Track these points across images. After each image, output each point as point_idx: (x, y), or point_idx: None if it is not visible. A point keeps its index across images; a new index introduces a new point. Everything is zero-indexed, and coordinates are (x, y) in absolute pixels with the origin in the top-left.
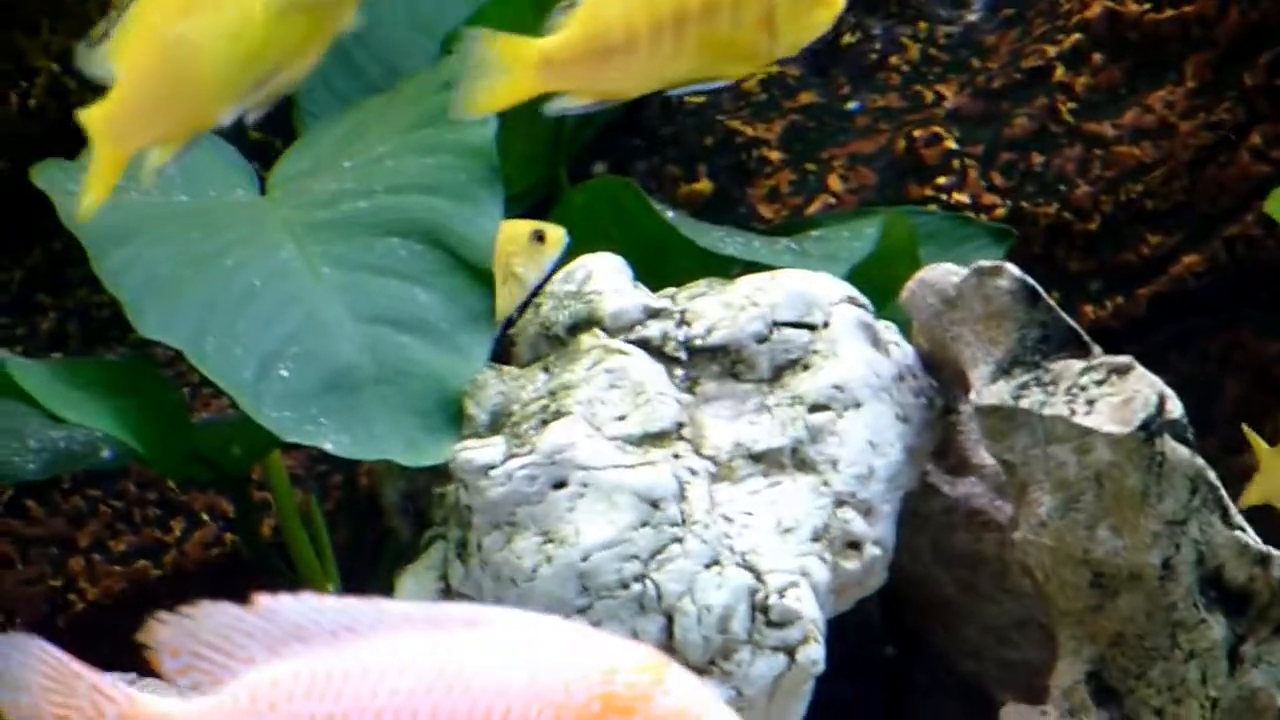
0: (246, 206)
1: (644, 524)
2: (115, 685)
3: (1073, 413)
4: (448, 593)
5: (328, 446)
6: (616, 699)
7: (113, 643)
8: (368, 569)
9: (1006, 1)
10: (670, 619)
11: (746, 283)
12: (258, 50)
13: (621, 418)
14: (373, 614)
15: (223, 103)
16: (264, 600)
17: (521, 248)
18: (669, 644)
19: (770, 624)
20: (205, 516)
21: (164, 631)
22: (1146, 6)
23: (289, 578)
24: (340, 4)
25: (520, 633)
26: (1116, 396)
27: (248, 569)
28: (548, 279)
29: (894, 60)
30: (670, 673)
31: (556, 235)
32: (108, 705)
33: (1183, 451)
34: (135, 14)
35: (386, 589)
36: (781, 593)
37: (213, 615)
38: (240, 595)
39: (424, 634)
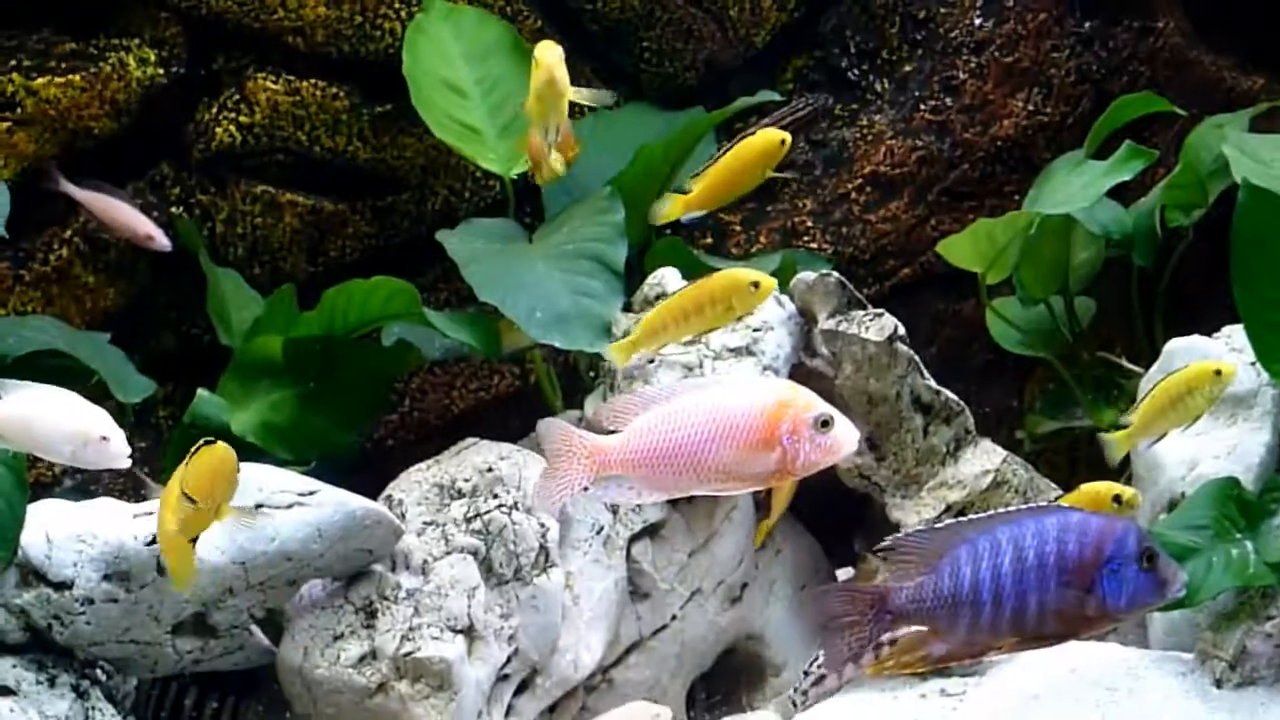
0: (523, 248)
1: (688, 373)
2: (583, 434)
3: (860, 332)
4: None
5: (557, 343)
6: (785, 400)
7: (469, 425)
8: (572, 396)
9: (827, 168)
10: None
11: None
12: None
13: None
14: (680, 386)
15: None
16: (639, 388)
17: (742, 294)
18: None
19: None
20: (506, 374)
21: (606, 412)
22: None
23: (542, 399)
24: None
25: (738, 380)
26: (878, 325)
27: (524, 395)
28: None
29: (786, 192)
30: (802, 388)
31: (769, 284)
32: (582, 443)
33: (904, 348)
34: None
35: (580, 405)
36: None
37: (621, 401)
38: (521, 409)
39: (698, 390)
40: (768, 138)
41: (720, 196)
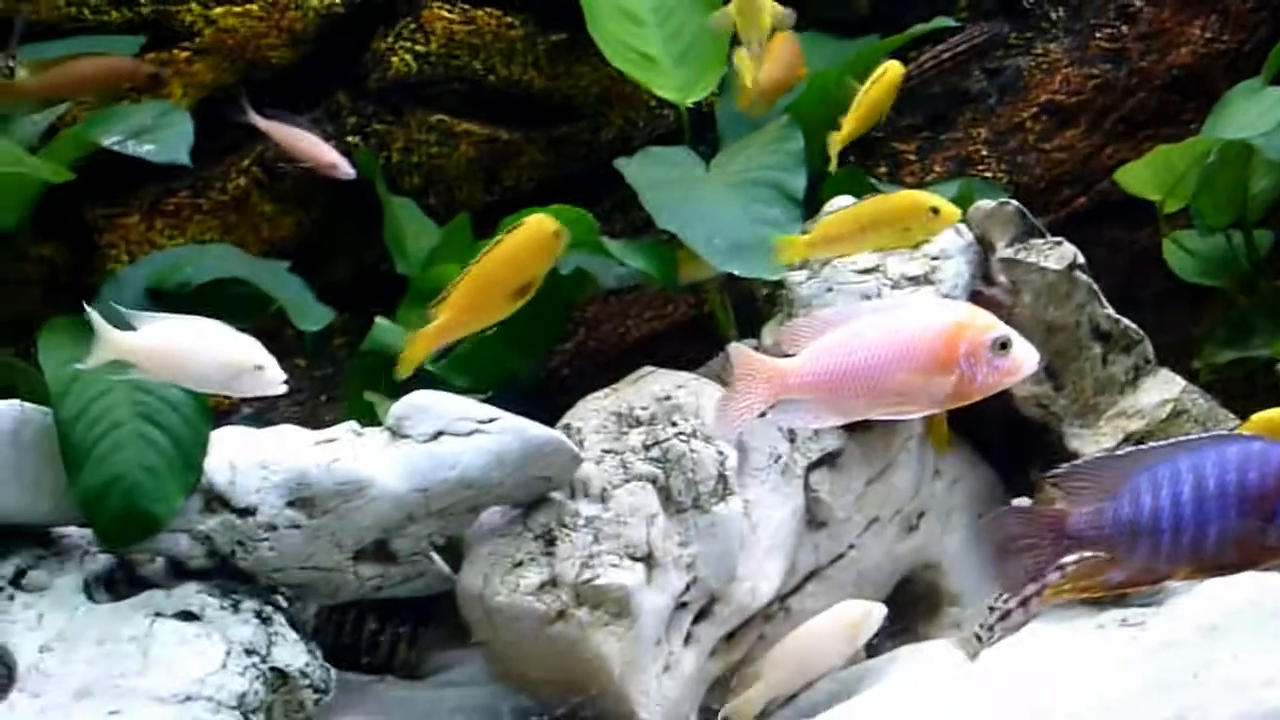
0: (701, 176)
1: (866, 298)
2: (763, 357)
3: (1039, 260)
4: None
5: (734, 271)
6: (963, 322)
7: (644, 354)
8: (748, 325)
9: (1002, 97)
10: None
11: None
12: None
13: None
14: (859, 309)
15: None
16: (817, 312)
17: (921, 218)
18: None
19: None
20: (680, 303)
21: (784, 335)
22: (1066, 95)
23: (716, 328)
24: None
25: (916, 303)
26: (1057, 253)
27: (699, 324)
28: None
29: (961, 120)
30: (981, 310)
31: (951, 212)
32: (762, 365)
33: (1083, 276)
34: None
35: (755, 334)
36: None
37: (800, 324)
38: (695, 339)
39: (876, 313)
40: (892, 67)
41: (863, 130)
